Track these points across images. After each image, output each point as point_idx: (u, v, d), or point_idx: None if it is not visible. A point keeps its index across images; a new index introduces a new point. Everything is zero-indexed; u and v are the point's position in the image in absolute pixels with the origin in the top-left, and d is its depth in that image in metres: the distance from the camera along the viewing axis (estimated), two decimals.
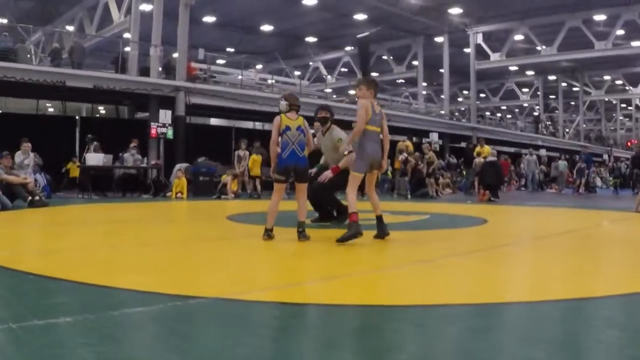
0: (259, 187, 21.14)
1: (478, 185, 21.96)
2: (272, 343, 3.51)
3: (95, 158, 19.04)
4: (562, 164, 32.50)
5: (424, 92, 51.02)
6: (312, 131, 9.20)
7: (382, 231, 8.36)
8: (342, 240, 7.82)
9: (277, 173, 8.18)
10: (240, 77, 32.91)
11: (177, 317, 4.00)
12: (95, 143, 20.21)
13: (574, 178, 31.16)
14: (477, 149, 24.53)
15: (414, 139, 35.39)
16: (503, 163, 30.90)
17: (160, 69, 25.91)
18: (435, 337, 3.70)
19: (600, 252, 7.75)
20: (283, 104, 8.30)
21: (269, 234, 8.02)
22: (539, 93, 59.61)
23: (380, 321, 4.07)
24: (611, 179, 32.61)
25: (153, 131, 22.53)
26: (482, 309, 4.36)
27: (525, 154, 33.65)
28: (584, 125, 66.40)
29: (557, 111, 64.56)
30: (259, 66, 46.96)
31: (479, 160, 22.86)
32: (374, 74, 46.90)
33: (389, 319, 4.10)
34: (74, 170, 21.15)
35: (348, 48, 48.02)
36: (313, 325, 4.09)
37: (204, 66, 30.10)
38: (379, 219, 8.39)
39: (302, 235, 7.98)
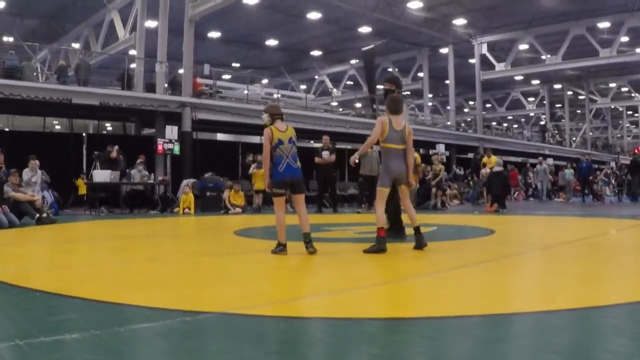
0: (259, 200, 21.16)
1: (486, 196, 21.91)
2: (279, 357, 3.50)
3: (102, 175, 19.07)
4: (569, 172, 32.44)
5: (430, 104, 51.03)
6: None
7: (419, 242, 8.55)
8: (367, 251, 8.11)
9: (275, 187, 8.15)
10: (246, 92, 32.93)
11: (184, 332, 3.99)
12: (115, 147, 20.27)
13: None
14: (484, 159, 24.47)
15: (421, 150, 35.38)
16: (512, 173, 30.99)
17: (166, 85, 25.98)
18: (444, 349, 3.69)
19: (608, 260, 7.71)
20: (265, 117, 8.32)
21: (282, 248, 7.97)
22: (544, 102, 59.61)
23: (389, 334, 4.06)
24: (615, 185, 32.47)
25: (160, 147, 22.56)
26: (491, 320, 4.35)
27: (535, 164, 33.50)
28: (591, 133, 66.26)
29: (563, 120, 64.49)
30: (265, 81, 47.03)
31: (485, 170, 22.83)
32: (379, 87, 46.99)
33: (397, 331, 4.09)
34: (82, 187, 21.18)
35: (353, 61, 48.08)
36: (320, 339, 4.08)
37: (210, 82, 30.14)
38: (417, 230, 8.59)
39: (309, 246, 7.95)
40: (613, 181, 32.14)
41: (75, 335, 3.74)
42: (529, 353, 3.52)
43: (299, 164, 8.25)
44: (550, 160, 40.11)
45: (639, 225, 13.43)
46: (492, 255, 8.29)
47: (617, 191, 31.50)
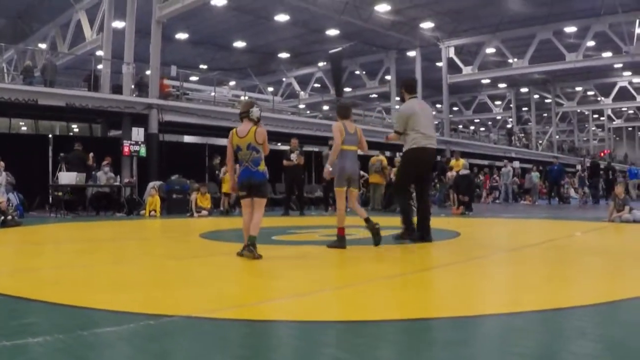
0: (226, 204, 21.11)
1: (454, 198, 22.00)
2: None
3: (68, 177, 18.91)
4: (535, 175, 32.74)
5: (397, 107, 51.15)
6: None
7: (371, 228, 9.21)
8: (329, 246, 8.96)
9: (238, 189, 8.16)
10: (213, 94, 32.86)
11: (148, 336, 3.96)
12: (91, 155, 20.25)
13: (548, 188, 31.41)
14: (452, 162, 24.59)
15: (388, 153, 35.47)
16: (486, 177, 31.37)
17: (132, 86, 25.84)
18: (408, 352, 3.70)
19: (573, 262, 7.79)
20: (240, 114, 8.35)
21: (249, 250, 7.72)
22: (511, 105, 60.14)
23: (353, 337, 4.06)
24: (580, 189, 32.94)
25: (126, 149, 22.41)
26: (456, 323, 4.37)
27: (501, 167, 33.75)
28: (557, 137, 66.94)
29: (530, 123, 65.09)
30: (232, 83, 46.98)
31: (451, 174, 22.98)
32: (347, 89, 47.11)
33: (362, 334, 4.09)
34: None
35: (321, 64, 48.17)
36: (285, 342, 4.08)
37: (177, 83, 30.04)
38: (367, 220, 9.22)
39: (247, 250, 7.69)
40: (586, 184, 32.48)
41: (38, 339, 3.70)
42: (494, 355, 3.55)
43: (262, 167, 8.06)
44: (516, 163, 40.44)
45: (604, 228, 13.55)
46: (458, 257, 8.33)
47: (585, 193, 31.82)
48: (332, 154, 9.33)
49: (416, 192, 10.65)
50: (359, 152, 9.51)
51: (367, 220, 9.20)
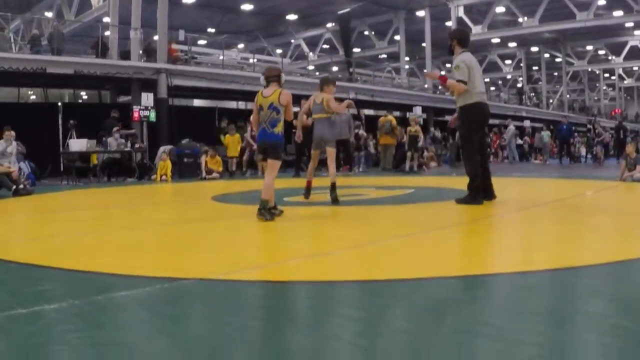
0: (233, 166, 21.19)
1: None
2: (259, 322, 3.52)
3: (78, 144, 18.93)
4: (546, 134, 32.58)
5: (407, 67, 50.97)
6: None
7: (333, 197, 9.93)
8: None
9: (257, 151, 8.50)
10: (221, 57, 32.71)
11: (162, 299, 4.00)
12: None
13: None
14: None
15: (398, 113, 35.34)
16: (495, 137, 31.25)
17: (140, 52, 25.73)
18: (420, 310, 3.72)
19: (584, 221, 7.78)
20: (262, 80, 8.40)
21: (260, 213, 7.79)
22: (521, 65, 59.65)
23: (366, 296, 4.08)
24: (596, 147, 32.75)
25: (135, 114, 22.38)
26: (467, 282, 4.39)
27: (507, 126, 33.44)
28: (568, 96, 66.56)
29: (540, 82, 64.71)
30: (241, 45, 46.79)
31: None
32: (356, 50, 46.82)
33: (375, 294, 4.11)
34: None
35: (329, 25, 47.85)
36: (299, 302, 4.10)
37: (185, 47, 29.89)
38: (332, 185, 9.99)
39: (258, 213, 7.78)
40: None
41: (54, 306, 3.73)
42: (505, 314, 3.56)
43: (277, 129, 8.12)
44: (527, 122, 40.26)
45: (615, 187, 13.51)
46: (469, 216, 8.32)
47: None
48: (298, 121, 11.15)
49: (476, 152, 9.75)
50: (351, 111, 10.42)
51: (332, 185, 10.01)
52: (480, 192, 9.33)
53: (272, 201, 8.01)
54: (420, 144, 22.54)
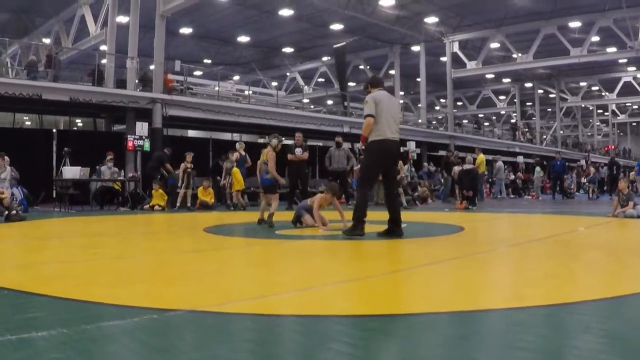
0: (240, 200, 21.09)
1: (457, 193, 22.01)
2: (248, 355, 3.50)
3: (72, 171, 18.94)
4: (537, 170, 32.70)
5: (402, 101, 51.20)
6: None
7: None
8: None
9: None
10: (217, 88, 32.86)
11: (152, 330, 3.97)
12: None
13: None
14: (478, 157, 25.00)
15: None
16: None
17: (136, 81, 25.89)
18: (410, 346, 3.70)
19: (576, 257, 7.77)
20: (273, 143, 12.70)
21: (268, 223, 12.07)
22: (515, 100, 60.06)
23: (355, 331, 4.07)
24: (587, 184, 32.89)
25: (130, 144, 22.46)
26: (459, 317, 4.37)
27: (496, 161, 33.12)
28: (561, 132, 66.90)
29: (534, 118, 65.12)
30: (236, 77, 47.00)
31: (458, 167, 22.97)
32: (351, 84, 47.08)
33: (365, 328, 4.10)
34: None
35: (325, 58, 48.17)
36: (289, 336, 4.08)
37: (181, 78, 30.04)
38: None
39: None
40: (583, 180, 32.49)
41: (42, 333, 3.70)
42: (496, 350, 3.55)
43: (268, 175, 12.48)
44: (520, 158, 40.41)
45: (608, 223, 13.55)
46: (461, 252, 8.31)
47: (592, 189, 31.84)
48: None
49: (384, 186, 10.38)
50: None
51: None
52: (362, 223, 9.55)
53: (267, 216, 12.22)
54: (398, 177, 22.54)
